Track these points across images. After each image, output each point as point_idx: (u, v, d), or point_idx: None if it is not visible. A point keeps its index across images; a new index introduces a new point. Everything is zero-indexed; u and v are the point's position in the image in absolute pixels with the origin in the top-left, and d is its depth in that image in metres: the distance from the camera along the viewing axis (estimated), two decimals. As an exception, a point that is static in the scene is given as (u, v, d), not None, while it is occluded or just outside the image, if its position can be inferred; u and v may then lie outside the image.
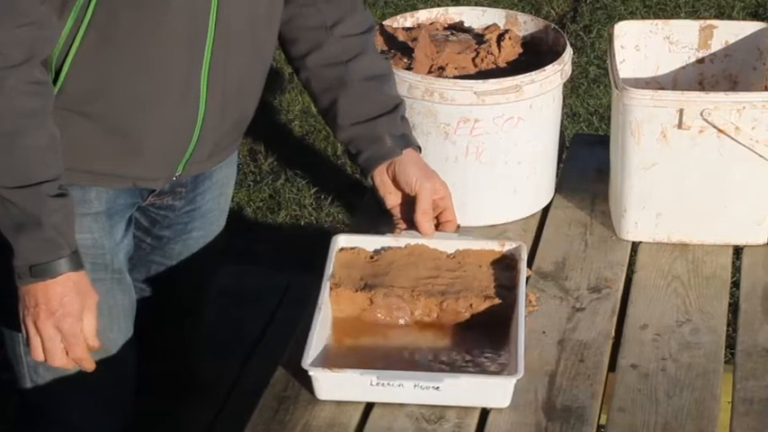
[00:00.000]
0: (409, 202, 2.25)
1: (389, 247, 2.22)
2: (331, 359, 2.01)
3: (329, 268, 2.15)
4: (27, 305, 2.01)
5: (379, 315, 2.11)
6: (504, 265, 2.20)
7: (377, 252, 2.22)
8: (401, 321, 2.11)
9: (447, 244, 2.23)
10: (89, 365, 2.07)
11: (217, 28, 2.05)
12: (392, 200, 2.27)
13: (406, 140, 2.26)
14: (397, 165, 2.24)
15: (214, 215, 2.43)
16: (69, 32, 1.98)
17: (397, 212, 2.27)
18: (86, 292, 2.02)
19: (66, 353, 2.03)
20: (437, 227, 2.25)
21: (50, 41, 1.97)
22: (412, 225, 2.24)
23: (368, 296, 2.12)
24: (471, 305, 2.11)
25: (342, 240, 2.23)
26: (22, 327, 2.03)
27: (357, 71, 2.27)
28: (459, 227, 2.26)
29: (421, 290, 2.13)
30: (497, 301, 2.11)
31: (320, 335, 2.02)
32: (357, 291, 2.12)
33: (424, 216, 2.22)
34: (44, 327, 2.00)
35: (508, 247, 2.22)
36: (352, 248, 2.22)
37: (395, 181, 2.25)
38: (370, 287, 2.13)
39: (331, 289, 2.12)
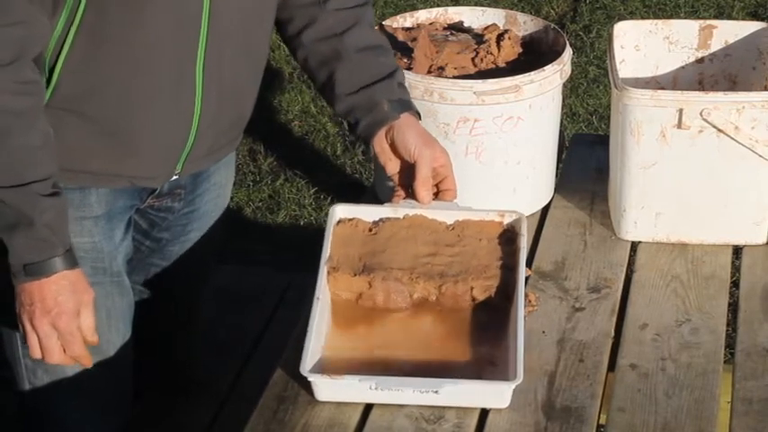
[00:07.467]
0: (409, 169, 2.21)
1: (388, 219, 2.21)
2: (330, 359, 2.01)
3: (327, 248, 2.13)
4: (23, 303, 2.01)
5: (378, 298, 2.10)
6: (505, 239, 2.19)
7: (375, 224, 2.20)
8: (400, 305, 2.11)
9: (446, 215, 2.21)
10: (87, 362, 2.07)
11: (210, 23, 2.05)
12: (392, 167, 2.23)
13: (404, 105, 2.22)
14: (396, 130, 2.19)
15: (212, 216, 2.42)
16: (61, 32, 1.98)
17: (396, 180, 2.23)
18: (82, 289, 2.02)
19: (64, 350, 2.04)
20: (436, 195, 2.22)
21: (40, 40, 1.96)
22: (411, 193, 2.21)
23: (366, 280, 2.10)
24: (471, 288, 2.11)
25: (340, 211, 2.21)
26: (19, 325, 2.04)
27: (352, 42, 2.25)
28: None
29: (420, 271, 2.12)
30: (497, 283, 2.10)
31: (319, 328, 2.01)
32: (355, 275, 2.11)
33: (422, 185, 2.18)
34: (40, 325, 2.01)
35: (508, 219, 2.21)
36: (350, 219, 2.20)
37: (393, 147, 2.21)
38: (369, 270, 2.11)
39: (329, 273, 2.11)
